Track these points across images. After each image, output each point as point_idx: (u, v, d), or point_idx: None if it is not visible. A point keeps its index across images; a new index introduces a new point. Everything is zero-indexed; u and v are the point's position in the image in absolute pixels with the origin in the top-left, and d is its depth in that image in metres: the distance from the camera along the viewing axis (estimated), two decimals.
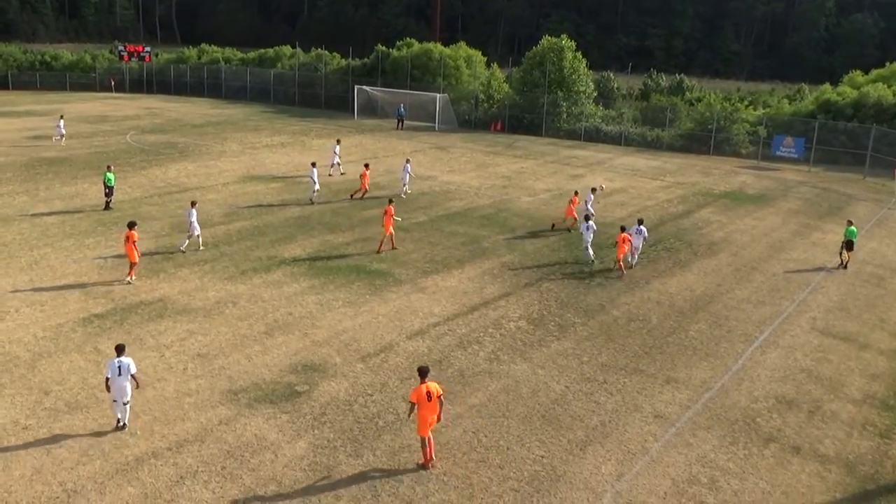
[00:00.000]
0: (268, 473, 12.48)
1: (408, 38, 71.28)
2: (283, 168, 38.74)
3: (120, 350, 13.50)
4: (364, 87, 62.72)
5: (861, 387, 16.87)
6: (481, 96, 61.09)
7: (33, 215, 27.64)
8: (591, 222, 24.88)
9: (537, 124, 56.68)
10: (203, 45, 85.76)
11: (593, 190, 30.80)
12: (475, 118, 59.90)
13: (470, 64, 64.90)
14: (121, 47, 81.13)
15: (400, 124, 57.29)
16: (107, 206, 28.97)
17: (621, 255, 23.88)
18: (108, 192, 29.02)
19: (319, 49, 73.81)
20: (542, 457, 13.37)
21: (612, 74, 68.77)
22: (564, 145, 52.64)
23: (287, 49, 77.00)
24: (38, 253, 23.28)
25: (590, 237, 24.69)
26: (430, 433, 12.79)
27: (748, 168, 46.72)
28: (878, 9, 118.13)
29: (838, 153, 48.52)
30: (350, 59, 70.45)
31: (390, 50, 68.11)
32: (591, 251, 24.76)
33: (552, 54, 56.26)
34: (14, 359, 16.06)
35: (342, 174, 37.06)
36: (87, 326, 17.90)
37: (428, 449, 12.81)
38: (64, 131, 43.63)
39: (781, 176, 44.39)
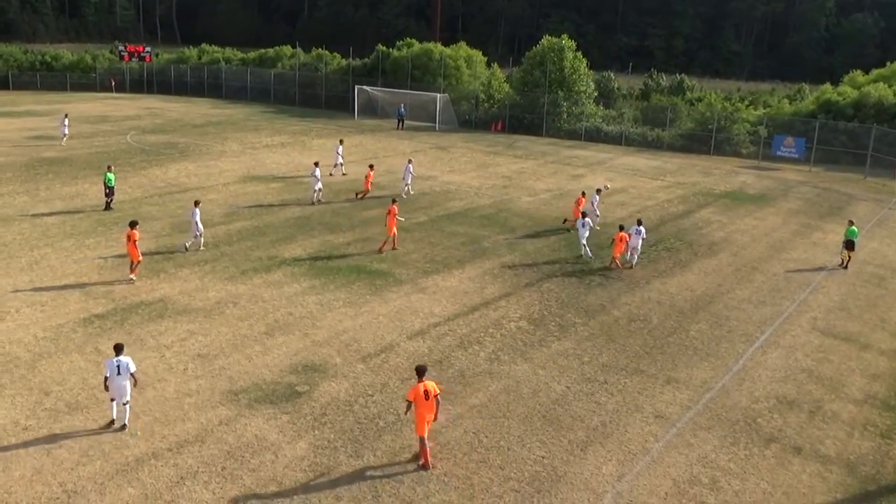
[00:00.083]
0: (268, 474, 12.47)
1: (408, 38, 71.27)
2: (283, 168, 38.74)
3: (118, 349, 13.49)
4: (364, 87, 62.71)
5: (862, 387, 16.86)
6: (482, 96, 61.08)
7: (34, 215, 27.63)
8: (587, 219, 25.14)
9: (538, 124, 56.67)
10: (203, 45, 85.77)
11: (598, 191, 30.85)
12: (475, 118, 59.89)
13: (470, 64, 64.88)
14: (121, 47, 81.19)
15: (400, 124, 57.28)
16: (107, 207, 28.97)
17: (617, 255, 24.13)
18: (109, 192, 29.01)
19: (320, 49, 73.81)
20: (543, 457, 13.36)
21: (612, 74, 68.77)
22: (565, 145, 52.63)
23: (287, 49, 77.00)
24: (38, 253, 23.27)
25: (585, 233, 24.97)
26: (426, 435, 12.78)
27: (749, 168, 46.70)
28: (878, 8, 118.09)
29: (839, 153, 48.52)
30: (350, 59, 70.44)
31: (391, 50, 68.10)
32: (587, 248, 24.97)
33: (552, 54, 56.24)
34: (14, 359, 16.05)
35: (343, 174, 37.05)
36: (87, 327, 17.89)
37: (425, 450, 12.81)
38: (67, 131, 43.66)
39: (782, 176, 44.37)
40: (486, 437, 13.93)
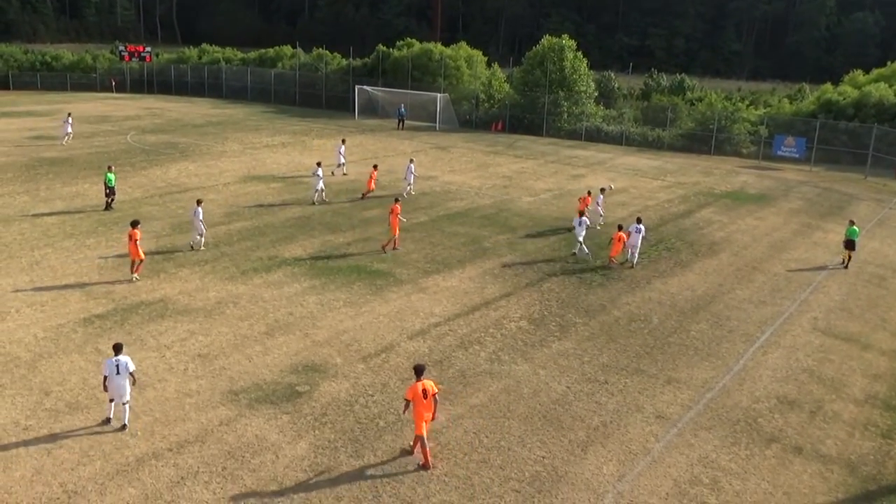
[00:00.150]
0: (269, 474, 12.46)
1: (408, 38, 71.25)
2: (283, 168, 38.73)
3: (117, 349, 13.49)
4: (365, 87, 62.71)
5: (863, 387, 16.84)
6: (482, 96, 61.07)
7: (34, 215, 27.63)
8: (584, 218, 25.31)
9: (538, 124, 56.66)
10: (204, 45, 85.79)
11: (602, 190, 30.87)
12: (476, 118, 59.88)
13: (470, 64, 64.86)
14: (121, 47, 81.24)
15: (401, 124, 57.28)
16: (108, 207, 28.96)
17: (615, 254, 24.19)
18: (109, 192, 29.01)
19: (320, 49, 73.79)
20: (544, 457, 13.35)
21: (612, 74, 68.78)
22: (565, 145, 52.62)
23: (288, 49, 77.01)
24: (38, 253, 23.26)
25: (582, 232, 25.09)
26: (425, 434, 12.77)
27: (749, 168, 46.68)
28: (878, 8, 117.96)
29: (839, 153, 48.52)
30: (351, 59, 70.44)
31: (391, 50, 68.08)
32: (584, 247, 25.14)
33: (553, 54, 56.24)
34: (14, 359, 16.05)
35: (344, 174, 37.04)
36: (87, 327, 17.88)
37: (419, 447, 12.83)
38: (70, 130, 43.67)
39: (782, 176, 44.35)
40: (487, 437, 13.92)
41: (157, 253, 23.59)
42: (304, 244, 25.45)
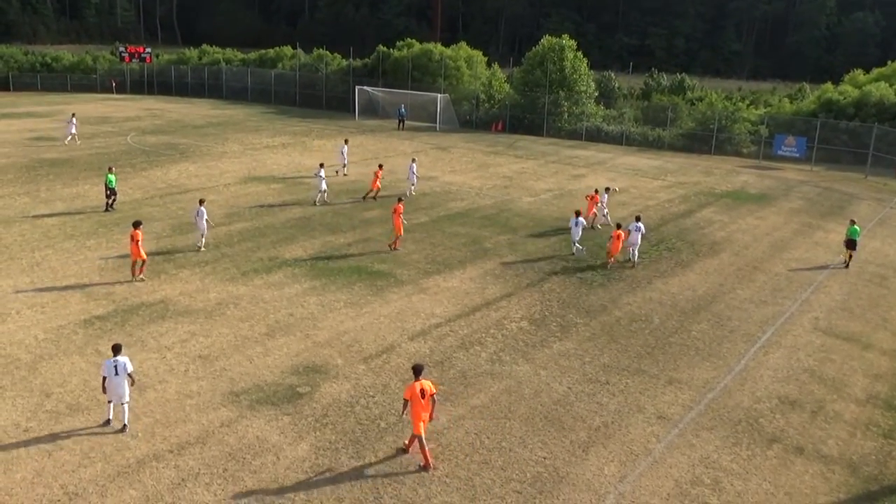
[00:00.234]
0: (270, 475, 12.45)
1: (408, 39, 71.21)
2: (284, 169, 38.72)
3: (116, 350, 13.48)
4: (365, 87, 62.70)
5: (864, 387, 16.82)
6: (482, 96, 61.05)
7: (34, 217, 27.63)
8: (580, 218, 25.32)
9: (538, 124, 56.64)
10: (204, 46, 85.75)
11: (607, 190, 30.90)
12: (476, 118, 59.87)
13: (471, 64, 64.84)
14: (122, 48, 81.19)
15: (401, 125, 57.27)
16: (108, 208, 28.96)
17: (614, 252, 24.29)
18: (110, 193, 29.00)
19: (320, 49, 73.80)
20: (545, 458, 13.33)
21: (613, 74, 68.74)
22: (565, 145, 52.60)
23: (288, 50, 76.99)
24: (39, 254, 23.26)
25: (578, 232, 25.21)
26: (423, 434, 12.76)
27: (750, 167, 46.66)
28: (879, 7, 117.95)
29: (840, 152, 48.50)
30: (351, 59, 70.42)
31: (391, 50, 68.07)
32: (579, 246, 25.33)
33: (553, 54, 56.21)
34: (15, 361, 16.04)
35: (345, 175, 37.03)
36: (88, 328, 17.87)
37: (415, 446, 12.83)
38: (75, 130, 43.67)
39: (783, 175, 44.33)
40: (488, 437, 13.90)
41: (158, 254, 23.58)
42: (305, 245, 25.44)
